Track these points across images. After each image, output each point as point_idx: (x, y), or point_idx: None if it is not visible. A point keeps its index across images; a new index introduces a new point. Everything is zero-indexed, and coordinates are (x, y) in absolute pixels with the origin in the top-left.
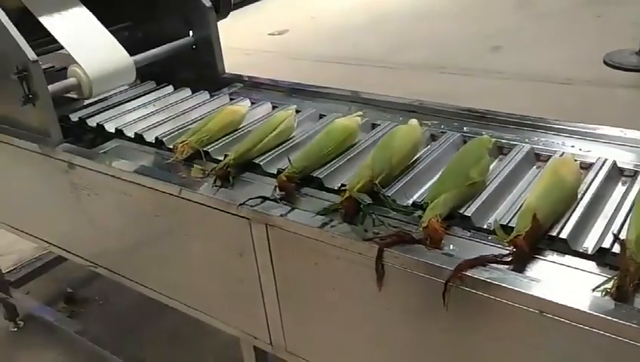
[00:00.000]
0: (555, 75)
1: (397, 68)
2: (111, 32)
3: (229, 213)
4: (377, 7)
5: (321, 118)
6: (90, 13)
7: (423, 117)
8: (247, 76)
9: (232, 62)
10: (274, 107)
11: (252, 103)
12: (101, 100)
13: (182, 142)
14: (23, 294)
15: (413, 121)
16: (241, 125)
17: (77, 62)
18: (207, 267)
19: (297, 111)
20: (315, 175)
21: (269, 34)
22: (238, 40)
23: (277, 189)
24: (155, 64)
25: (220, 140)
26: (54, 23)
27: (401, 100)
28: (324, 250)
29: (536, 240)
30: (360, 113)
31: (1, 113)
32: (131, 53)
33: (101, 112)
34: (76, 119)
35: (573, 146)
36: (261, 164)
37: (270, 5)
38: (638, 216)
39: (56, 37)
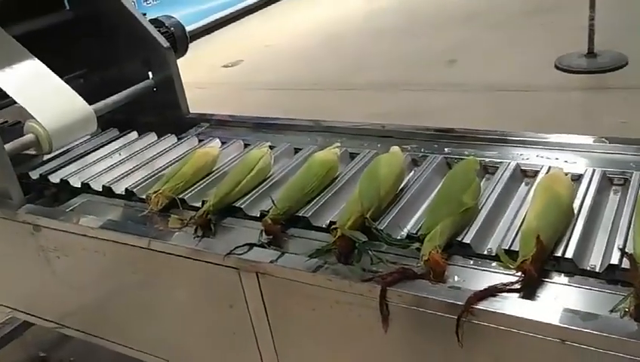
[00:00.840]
0: (511, 83)
1: (356, 89)
2: (66, 81)
3: (215, 264)
4: (331, 29)
5: (296, 152)
6: (43, 65)
7: (400, 141)
8: (213, 114)
9: (187, 97)
10: (246, 145)
11: (222, 143)
12: (63, 153)
13: (155, 192)
14: None
15: (395, 148)
16: (215, 167)
17: (33, 117)
18: (194, 321)
19: (271, 147)
20: (300, 214)
21: (223, 65)
22: (192, 74)
23: (263, 233)
24: (116, 110)
25: (194, 185)
26: (5, 77)
27: (376, 127)
28: (320, 294)
29: (543, 263)
30: (338, 144)
31: None
32: (90, 102)
33: (64, 166)
34: (37, 176)
35: (557, 159)
36: (242, 207)
37: (223, 36)
38: None
39: (8, 92)
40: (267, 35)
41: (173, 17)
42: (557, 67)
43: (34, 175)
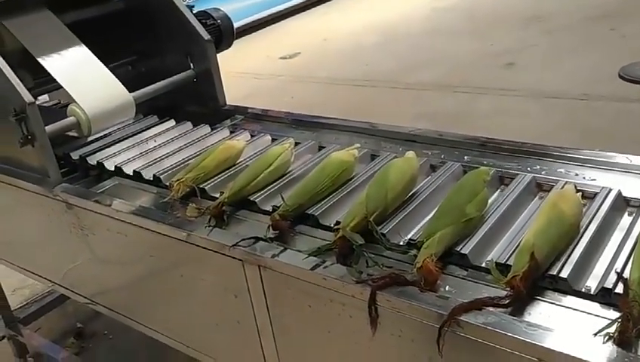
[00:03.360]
0: (569, 90)
1: (409, 88)
2: (115, 66)
3: (222, 254)
4: (389, 27)
5: (320, 150)
6: (89, 52)
7: (424, 146)
8: (248, 108)
9: (243, 86)
10: (273, 139)
11: (252, 136)
12: (104, 136)
13: (178, 180)
14: (31, 332)
15: (410, 153)
16: (240, 159)
17: (75, 101)
18: (204, 308)
19: (296, 143)
20: (310, 212)
21: (281, 57)
22: (250, 64)
23: (270, 228)
24: (158, 98)
25: (216, 177)
26: (53, 63)
27: (402, 130)
28: (316, 292)
29: (535, 281)
30: (357, 145)
31: (4, 154)
32: (135, 88)
33: (103, 149)
34: (77, 157)
35: (577, 175)
36: (256, 201)
37: (283, 29)
38: None
39: (55, 76)
40: (326, 29)
41: (221, 10)
42: (620, 76)
43: (74, 155)
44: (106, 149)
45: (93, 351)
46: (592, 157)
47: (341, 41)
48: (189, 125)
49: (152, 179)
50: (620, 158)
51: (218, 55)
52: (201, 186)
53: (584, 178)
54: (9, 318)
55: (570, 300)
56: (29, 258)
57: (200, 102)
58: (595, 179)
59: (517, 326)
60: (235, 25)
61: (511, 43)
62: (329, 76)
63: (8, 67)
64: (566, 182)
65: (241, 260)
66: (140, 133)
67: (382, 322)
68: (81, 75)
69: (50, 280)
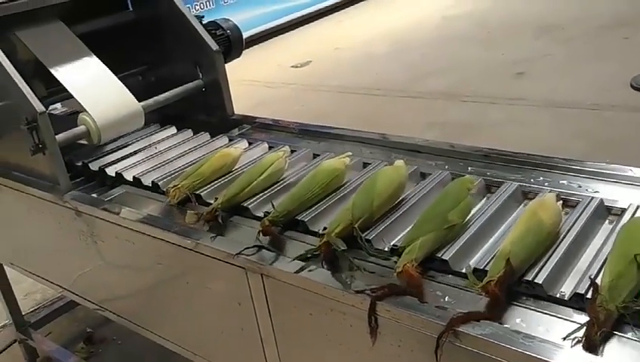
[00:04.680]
0: (580, 100)
1: (419, 97)
2: (126, 76)
3: (226, 262)
4: (400, 36)
5: (315, 157)
6: (100, 62)
7: (429, 157)
8: (256, 117)
9: (254, 94)
10: (270, 147)
11: (249, 144)
12: (119, 147)
13: (174, 186)
14: (41, 336)
15: (399, 162)
16: (237, 166)
17: (86, 110)
18: (209, 315)
19: (292, 151)
20: (300, 218)
21: (292, 66)
22: (261, 73)
23: (260, 234)
24: (168, 107)
25: (212, 183)
26: (64, 73)
27: (407, 140)
28: (317, 301)
29: (511, 286)
30: (349, 153)
31: (16, 162)
32: (145, 97)
33: (106, 155)
34: (96, 168)
35: (580, 186)
36: (249, 207)
37: (294, 37)
38: (612, 261)
39: (66, 86)
40: (338, 38)
41: (230, 21)
42: (632, 86)
43: (94, 166)
44: (109, 155)
45: (102, 356)
46: (598, 169)
47: (352, 49)
48: (189, 133)
49: (150, 185)
50: (625, 170)
51: (229, 64)
52: (197, 193)
53: (587, 190)
54: (20, 322)
55: (544, 305)
56: (39, 264)
57: (208, 112)
58: (597, 191)
59: (484, 329)
60: (247, 33)
61: (522, 52)
62: (340, 85)
63: (20, 77)
64: (549, 191)
65: (244, 268)
66: (141, 140)
67: (382, 331)
68: (92, 84)
69: (60, 286)
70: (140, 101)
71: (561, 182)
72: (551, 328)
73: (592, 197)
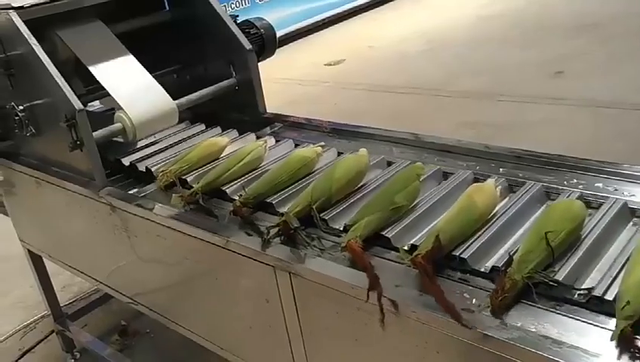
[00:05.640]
0: (620, 100)
1: (454, 96)
2: (162, 74)
3: (255, 260)
4: (434, 35)
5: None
6: (136, 61)
7: (460, 158)
8: (288, 116)
9: (287, 93)
10: (296, 145)
11: (276, 141)
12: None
13: (162, 171)
14: (78, 328)
15: (363, 151)
16: (263, 163)
17: (122, 108)
18: (237, 311)
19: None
20: (269, 201)
21: (326, 64)
22: (295, 70)
23: (230, 214)
24: (202, 105)
25: (198, 170)
26: (102, 71)
27: (436, 140)
28: (344, 300)
29: (440, 261)
30: (322, 144)
31: (55, 158)
32: (180, 95)
33: (137, 151)
34: (128, 163)
35: (616, 189)
36: (227, 191)
37: (328, 36)
38: (527, 238)
39: (103, 84)
40: (371, 36)
41: (264, 19)
42: None
43: (125, 161)
44: (141, 151)
45: (135, 348)
46: (634, 172)
47: (386, 48)
48: (217, 130)
49: (144, 171)
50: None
51: (263, 62)
52: (184, 177)
53: (624, 194)
54: (58, 314)
55: (467, 277)
56: (75, 257)
57: (241, 110)
58: (634, 195)
59: (541, 342)
60: (282, 32)
61: (561, 51)
62: (373, 83)
63: (60, 76)
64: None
65: (272, 266)
66: (170, 137)
67: (408, 331)
68: (128, 83)
69: (95, 279)
70: (174, 99)
71: (596, 185)
72: (471, 297)
73: (535, 183)
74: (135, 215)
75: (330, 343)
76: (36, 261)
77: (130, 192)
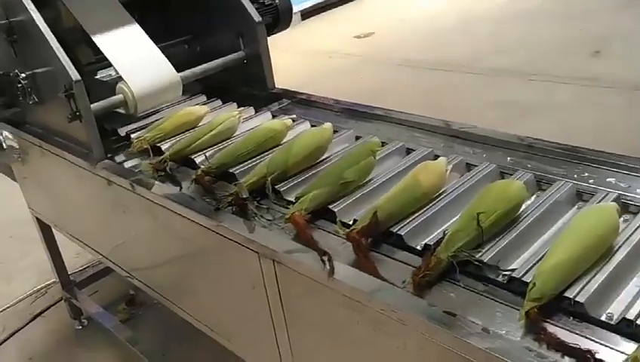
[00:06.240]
0: None
1: (485, 74)
2: (172, 44)
3: (241, 244)
4: (469, 9)
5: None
6: (142, 31)
7: (469, 144)
8: (297, 92)
9: (313, 65)
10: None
11: (273, 117)
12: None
13: (137, 138)
14: (85, 296)
15: (327, 125)
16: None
17: (124, 80)
18: (225, 294)
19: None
20: (231, 171)
21: (355, 36)
22: (323, 42)
23: (193, 183)
24: (211, 78)
25: (174, 138)
26: (105, 40)
27: (443, 124)
28: (327, 294)
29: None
30: (293, 116)
31: (57, 128)
32: (189, 66)
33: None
34: (110, 128)
35: (630, 186)
36: (194, 159)
37: (360, 7)
38: (461, 217)
39: (105, 54)
40: (404, 10)
41: None
42: None
43: (122, 131)
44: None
45: (141, 318)
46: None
47: (418, 22)
48: (218, 102)
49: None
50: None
51: (291, 34)
52: (158, 145)
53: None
54: (66, 281)
55: (402, 255)
56: (77, 227)
57: (249, 85)
58: (629, 186)
59: (446, 320)
60: (312, 2)
61: (601, 29)
62: (402, 58)
63: (59, 45)
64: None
65: (257, 253)
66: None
67: (385, 331)
68: (131, 53)
69: (95, 250)
70: (185, 70)
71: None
72: (403, 274)
73: (489, 163)
74: (130, 190)
75: (314, 334)
76: (44, 228)
77: (128, 164)
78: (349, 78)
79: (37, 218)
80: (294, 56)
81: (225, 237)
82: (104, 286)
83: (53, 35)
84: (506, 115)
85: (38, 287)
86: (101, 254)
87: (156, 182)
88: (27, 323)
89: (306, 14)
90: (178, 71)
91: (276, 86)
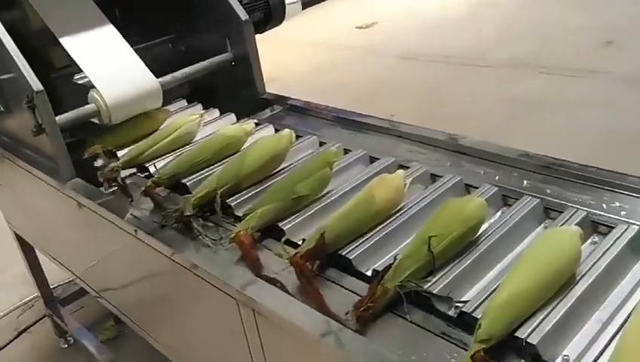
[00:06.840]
0: None
1: (488, 66)
2: (156, 44)
3: (219, 289)
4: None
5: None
6: (116, 32)
7: (476, 161)
8: (289, 98)
9: (314, 58)
10: (276, 130)
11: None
12: None
13: (92, 144)
14: (69, 313)
15: (286, 131)
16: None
17: (95, 88)
18: (201, 335)
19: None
20: (184, 181)
21: (357, 27)
22: (324, 33)
23: (142, 195)
24: (200, 80)
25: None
26: (74, 43)
27: (445, 137)
28: (309, 341)
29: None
30: (255, 121)
31: (25, 140)
32: (174, 67)
33: None
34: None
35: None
36: (149, 168)
37: None
38: (413, 241)
39: (75, 58)
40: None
41: None
42: None
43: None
44: None
45: (129, 336)
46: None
47: (424, 12)
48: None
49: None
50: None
51: (292, 24)
52: (114, 150)
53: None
54: (49, 297)
55: (349, 281)
56: (50, 245)
57: (235, 89)
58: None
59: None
60: None
61: (615, 18)
62: (405, 50)
63: (20, 53)
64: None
65: (235, 300)
66: None
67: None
68: (105, 57)
69: (68, 270)
70: (170, 71)
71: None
72: (347, 301)
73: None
74: (99, 215)
75: None
76: (24, 243)
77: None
78: (348, 72)
79: (14, 232)
80: (291, 47)
81: (202, 278)
82: (91, 302)
83: (11, 40)
84: (515, 110)
85: (25, 300)
86: (72, 272)
87: (126, 205)
88: (12, 340)
89: (307, 3)
90: (162, 72)
91: (278, 81)
